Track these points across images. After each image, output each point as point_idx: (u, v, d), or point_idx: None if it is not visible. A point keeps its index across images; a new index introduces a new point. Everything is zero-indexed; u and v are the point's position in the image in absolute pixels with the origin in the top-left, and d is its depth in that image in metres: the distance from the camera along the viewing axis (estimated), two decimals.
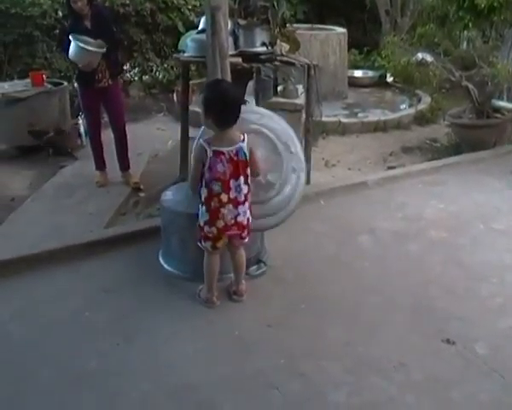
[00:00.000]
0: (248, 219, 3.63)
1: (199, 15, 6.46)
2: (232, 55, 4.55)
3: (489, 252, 4.47)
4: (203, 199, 3.56)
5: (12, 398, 3.02)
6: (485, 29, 7.62)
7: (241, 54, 4.90)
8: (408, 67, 6.96)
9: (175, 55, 6.01)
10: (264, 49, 5.02)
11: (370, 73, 10.71)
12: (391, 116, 8.34)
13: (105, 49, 5.25)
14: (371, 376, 3.13)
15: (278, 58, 5.14)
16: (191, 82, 6.25)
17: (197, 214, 3.63)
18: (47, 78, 7.20)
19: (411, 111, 8.49)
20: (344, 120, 8.02)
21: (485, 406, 2.93)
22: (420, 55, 7.21)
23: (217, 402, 2.96)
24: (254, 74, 5.81)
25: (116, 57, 5.73)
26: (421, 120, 8.28)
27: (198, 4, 9.36)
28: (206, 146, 3.47)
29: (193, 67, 7.46)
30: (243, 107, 3.68)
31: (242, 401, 2.98)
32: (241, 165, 3.49)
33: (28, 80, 6.95)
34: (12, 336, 3.51)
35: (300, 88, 6.01)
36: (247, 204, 3.58)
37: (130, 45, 9.12)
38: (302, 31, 8.35)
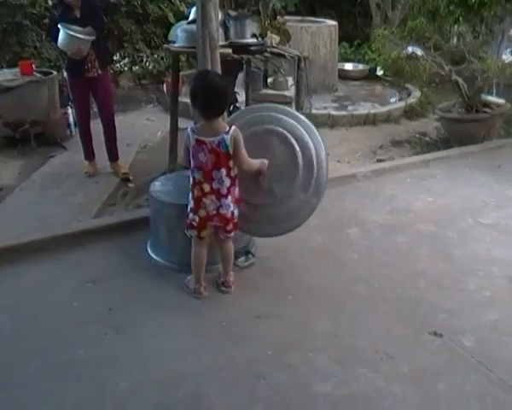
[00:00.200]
0: (233, 214, 3.60)
1: (189, 6, 6.45)
2: (222, 46, 4.55)
3: (477, 245, 4.50)
4: (190, 186, 3.60)
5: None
6: (476, 24, 7.63)
7: (231, 45, 4.88)
8: (398, 60, 6.96)
9: (165, 45, 5.99)
10: (254, 40, 5.00)
11: (360, 66, 10.76)
12: (380, 109, 8.37)
13: (94, 37, 5.22)
14: (358, 367, 3.14)
15: (268, 50, 5.13)
16: (181, 73, 6.23)
17: (187, 204, 3.65)
18: (36, 67, 7.15)
19: (401, 105, 8.55)
20: (334, 112, 8.06)
21: (472, 397, 2.95)
22: (410, 49, 7.22)
23: (204, 392, 2.97)
24: (244, 66, 5.81)
25: (105, 47, 5.71)
26: (410, 113, 8.33)
27: None
28: (190, 133, 3.50)
29: (183, 58, 7.45)
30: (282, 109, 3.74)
31: (230, 391, 2.99)
32: (223, 156, 3.46)
33: (17, 69, 6.87)
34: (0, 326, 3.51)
35: (290, 80, 6.01)
36: (229, 198, 3.55)
37: (121, 35, 9.09)
38: (293, 23, 8.36)
